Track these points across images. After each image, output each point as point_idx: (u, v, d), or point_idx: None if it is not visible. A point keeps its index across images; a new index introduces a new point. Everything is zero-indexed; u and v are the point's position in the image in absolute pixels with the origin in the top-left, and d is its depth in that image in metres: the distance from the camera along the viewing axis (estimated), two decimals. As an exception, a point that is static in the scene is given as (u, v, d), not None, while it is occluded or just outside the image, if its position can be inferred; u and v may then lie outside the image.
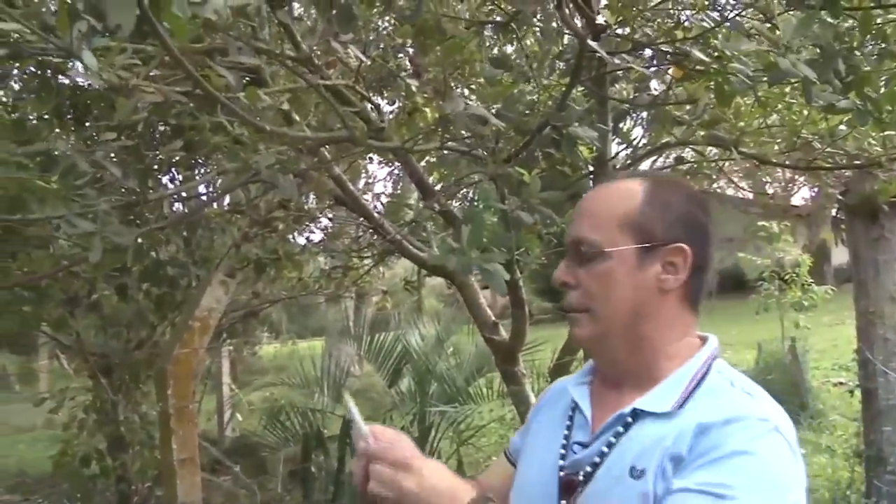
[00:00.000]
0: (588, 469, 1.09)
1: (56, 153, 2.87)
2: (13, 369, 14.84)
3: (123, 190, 2.84)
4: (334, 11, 1.96)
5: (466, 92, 6.25)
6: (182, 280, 4.87)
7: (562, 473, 1.13)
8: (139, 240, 3.06)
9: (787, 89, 2.91)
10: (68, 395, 6.24)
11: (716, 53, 1.98)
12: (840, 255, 22.34)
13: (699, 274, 1.13)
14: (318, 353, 11.25)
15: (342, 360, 7.79)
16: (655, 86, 3.84)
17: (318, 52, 3.07)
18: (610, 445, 1.09)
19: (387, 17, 4.94)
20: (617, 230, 1.11)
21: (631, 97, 3.50)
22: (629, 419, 1.10)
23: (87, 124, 3.68)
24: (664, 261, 1.11)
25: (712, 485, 0.94)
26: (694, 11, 2.40)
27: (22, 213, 2.64)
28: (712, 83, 1.99)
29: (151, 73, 1.99)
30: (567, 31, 2.21)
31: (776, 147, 3.43)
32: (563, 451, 1.15)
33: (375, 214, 4.08)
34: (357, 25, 2.02)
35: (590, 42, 1.88)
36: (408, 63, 5.84)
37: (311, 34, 2.30)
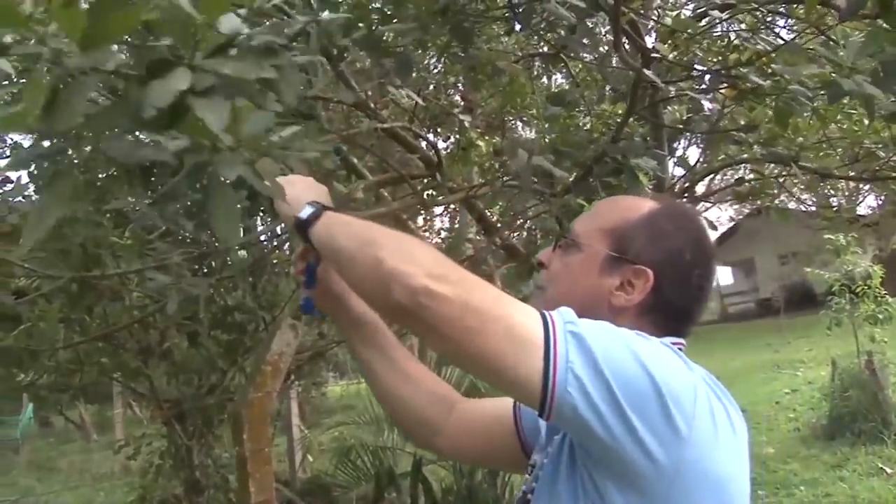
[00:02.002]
0: (534, 485, 1.13)
1: (127, 210, 2.98)
2: (90, 418, 15.21)
3: (189, 241, 2.93)
4: (382, 58, 2.01)
5: (520, 125, 6.30)
6: (250, 325, 4.97)
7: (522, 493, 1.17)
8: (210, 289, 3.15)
9: (846, 100, 2.86)
10: (144, 441, 6.39)
11: (770, 72, 1.97)
12: (913, 264, 21.56)
13: (664, 308, 1.11)
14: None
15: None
16: (709, 106, 3.82)
17: (369, 94, 3.13)
18: (548, 455, 1.12)
19: (436, 58, 5.02)
20: (601, 232, 1.14)
21: (684, 118, 3.49)
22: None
23: (153, 179, 3.81)
24: (625, 278, 1.11)
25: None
26: (747, 34, 2.39)
27: (98, 269, 2.75)
28: (770, 104, 1.98)
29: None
30: (621, 67, 2.22)
31: (838, 159, 3.37)
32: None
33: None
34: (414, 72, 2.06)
35: (646, 73, 1.88)
36: (459, 99, 5.92)
37: (367, 80, 2.36)
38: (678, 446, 0.92)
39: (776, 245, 24.48)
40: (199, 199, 3.28)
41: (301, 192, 1.22)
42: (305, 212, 1.18)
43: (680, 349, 1.06)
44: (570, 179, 2.68)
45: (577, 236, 1.17)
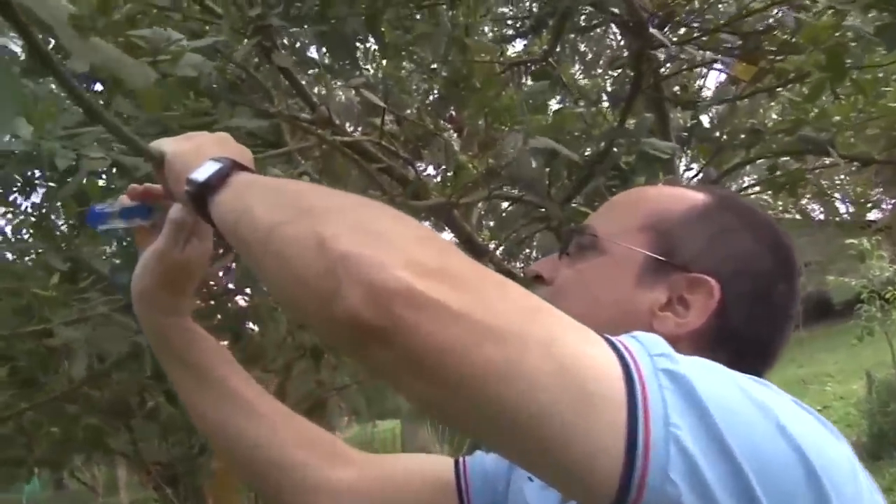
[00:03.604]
0: None
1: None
2: (102, 479, 14.88)
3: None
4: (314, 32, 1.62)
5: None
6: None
7: None
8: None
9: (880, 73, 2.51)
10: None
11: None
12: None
13: (733, 337, 0.73)
14: (398, 433, 10.88)
15: (418, 442, 7.39)
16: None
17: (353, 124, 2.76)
18: None
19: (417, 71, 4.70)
20: (636, 227, 0.78)
21: (689, 124, 3.12)
22: None
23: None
24: (675, 292, 0.74)
25: None
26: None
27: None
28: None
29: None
30: (630, 19, 1.80)
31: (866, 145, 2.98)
32: None
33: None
34: (355, 60, 1.68)
35: (653, 31, 1.50)
36: (446, 123, 5.59)
37: (319, 82, 2.00)
38: None
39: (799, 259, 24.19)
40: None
41: (205, 145, 0.79)
42: (205, 170, 0.73)
43: None
44: (571, 186, 2.31)
45: (595, 232, 0.80)
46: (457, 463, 0.93)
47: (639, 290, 0.75)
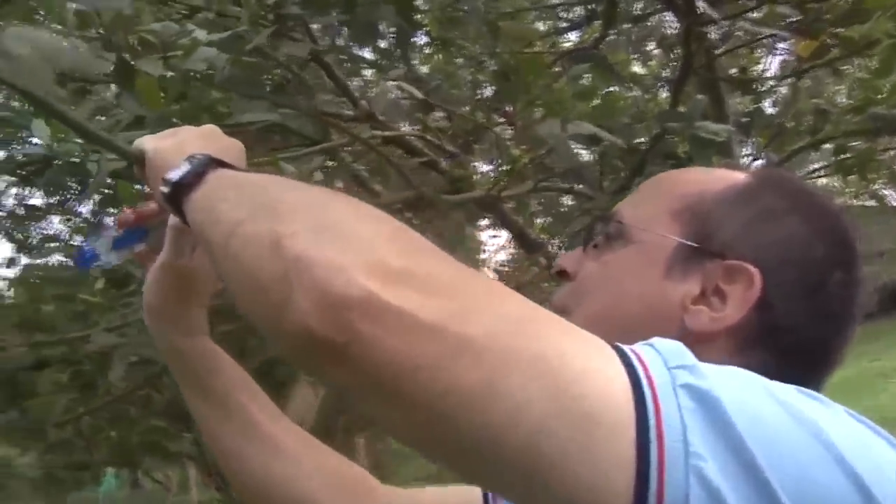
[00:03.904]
0: None
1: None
2: (175, 478, 15.20)
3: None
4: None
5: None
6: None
7: None
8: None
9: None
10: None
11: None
12: None
13: (778, 335, 0.62)
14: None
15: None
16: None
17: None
18: None
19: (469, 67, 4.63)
20: (666, 212, 0.69)
21: (749, 109, 2.98)
22: None
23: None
24: (710, 282, 0.64)
25: None
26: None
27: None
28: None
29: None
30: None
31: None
32: None
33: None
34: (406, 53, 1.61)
35: (701, 3, 1.40)
36: (500, 117, 5.52)
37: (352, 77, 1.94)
38: None
39: (861, 245, 23.52)
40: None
41: (188, 141, 0.71)
42: (179, 170, 0.66)
43: None
44: (623, 175, 2.21)
45: (622, 220, 0.71)
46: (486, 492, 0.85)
47: (668, 282, 0.65)
